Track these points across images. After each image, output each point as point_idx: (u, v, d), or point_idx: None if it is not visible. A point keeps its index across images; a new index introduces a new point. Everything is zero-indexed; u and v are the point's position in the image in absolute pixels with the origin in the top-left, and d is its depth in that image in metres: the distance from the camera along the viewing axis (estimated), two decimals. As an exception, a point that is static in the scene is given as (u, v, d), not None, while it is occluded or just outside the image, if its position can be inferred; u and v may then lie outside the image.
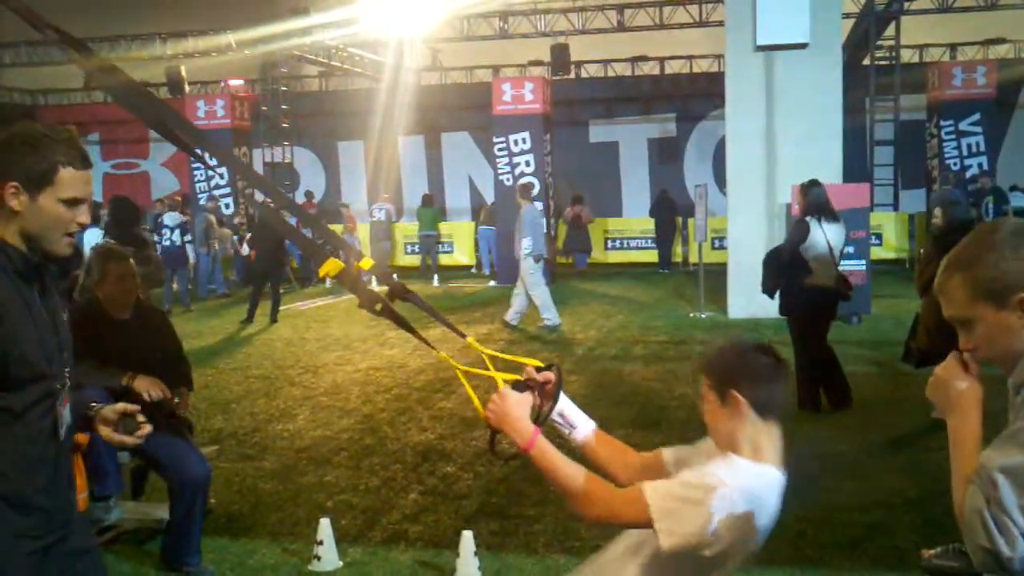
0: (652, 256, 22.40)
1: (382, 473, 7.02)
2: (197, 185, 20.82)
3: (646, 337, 12.49)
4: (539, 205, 14.30)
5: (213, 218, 18.83)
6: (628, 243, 23.27)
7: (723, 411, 2.52)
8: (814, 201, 8.81)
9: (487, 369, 2.81)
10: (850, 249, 13.09)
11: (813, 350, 8.42)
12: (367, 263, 3.01)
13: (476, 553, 5.11)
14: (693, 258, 21.92)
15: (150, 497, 6.11)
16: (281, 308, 15.49)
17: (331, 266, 2.90)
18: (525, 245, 13.25)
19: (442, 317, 3.08)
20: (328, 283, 20.04)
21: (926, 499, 6.09)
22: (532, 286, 13.15)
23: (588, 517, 2.49)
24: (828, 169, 13.53)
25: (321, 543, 5.32)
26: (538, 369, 2.77)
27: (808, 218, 8.57)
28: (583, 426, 2.82)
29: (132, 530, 5.74)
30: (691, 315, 14.21)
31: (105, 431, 2.82)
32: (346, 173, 26.58)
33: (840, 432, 7.72)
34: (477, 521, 5.84)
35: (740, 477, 2.41)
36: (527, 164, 19.08)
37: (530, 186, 15.64)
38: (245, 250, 17.45)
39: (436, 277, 20.51)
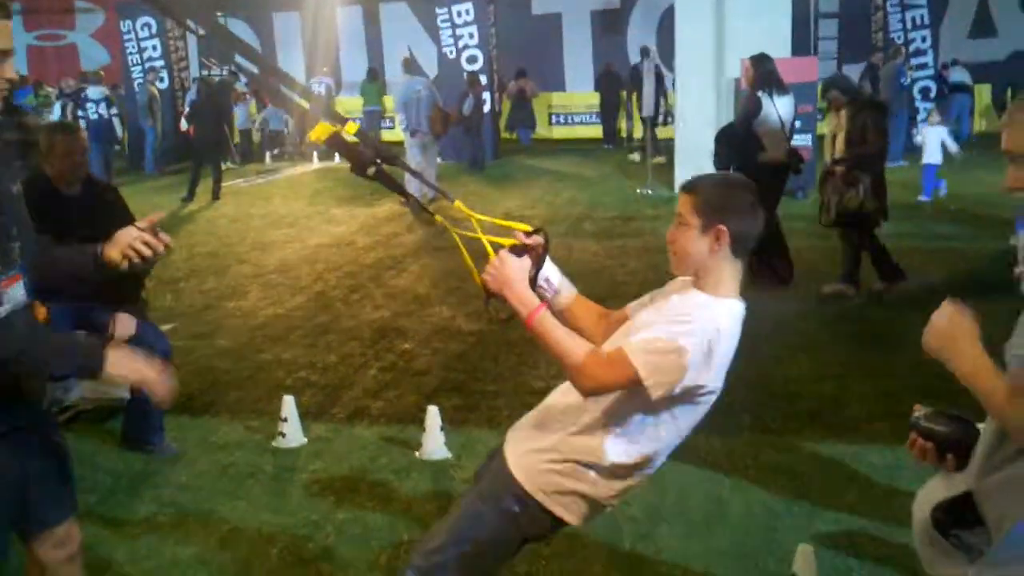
0: (596, 132, 22.24)
1: (339, 350, 7.01)
2: (129, 57, 20.06)
3: (595, 213, 12.49)
4: (419, 80, 13.92)
5: (155, 90, 18.27)
6: (572, 118, 23.06)
7: (702, 239, 2.55)
8: (764, 74, 8.75)
9: (475, 233, 2.78)
10: (798, 123, 13.14)
11: (770, 224, 8.49)
12: (352, 127, 2.93)
13: (441, 428, 5.15)
14: (637, 133, 21.88)
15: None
16: (223, 185, 15.20)
17: (321, 131, 2.82)
18: (399, 120, 13.19)
19: (431, 182, 3.03)
20: (269, 156, 19.72)
21: (877, 370, 6.25)
22: (408, 159, 12.91)
23: (583, 389, 2.50)
24: (776, 43, 13.38)
25: (285, 420, 5.32)
26: (526, 233, 2.75)
27: (760, 92, 8.52)
28: (566, 290, 2.86)
29: (91, 409, 5.68)
30: (638, 191, 14.20)
31: (120, 250, 2.62)
32: (282, 46, 25.76)
33: (790, 306, 7.84)
34: (438, 397, 5.87)
35: (705, 314, 2.49)
36: (470, 36, 18.65)
37: (408, 60, 14.81)
38: (183, 126, 16.97)
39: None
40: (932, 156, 12.85)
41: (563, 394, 2.72)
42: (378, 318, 7.83)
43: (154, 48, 19.97)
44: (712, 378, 2.52)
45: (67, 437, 3.00)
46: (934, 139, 12.89)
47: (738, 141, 8.33)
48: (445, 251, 10.24)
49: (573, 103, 23.20)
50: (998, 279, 8.42)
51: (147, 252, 2.60)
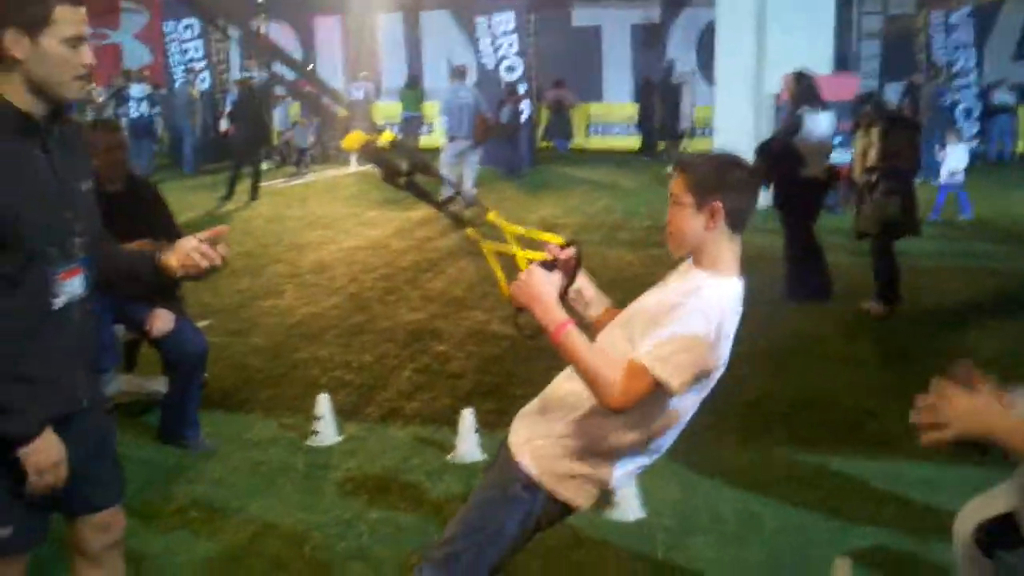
0: (634, 143, 22.20)
1: (374, 351, 7.02)
2: (171, 58, 20.27)
3: (630, 223, 12.45)
4: (465, 87, 14.37)
5: (195, 90, 18.46)
6: (610, 129, 23.04)
7: (697, 217, 2.56)
8: (805, 91, 8.73)
9: (507, 245, 2.80)
10: (838, 140, 13.06)
11: (803, 240, 8.45)
12: (388, 136, 2.95)
13: (475, 431, 5.15)
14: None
15: (142, 370, 6.08)
16: (260, 185, 15.30)
17: (354, 139, 2.84)
18: (443, 123, 13.65)
19: (465, 193, 3.03)
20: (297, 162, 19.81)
21: (911, 387, 6.17)
22: (440, 163, 13.24)
23: (611, 406, 2.48)
24: (818, 59, 13.33)
25: (320, 418, 5.34)
26: (560, 247, 2.75)
27: (800, 108, 8.50)
28: (598, 303, 2.88)
29: (128, 403, 5.72)
30: (674, 203, 14.13)
31: (179, 259, 2.63)
32: (322, 49, 25.92)
33: (826, 320, 7.78)
34: (472, 400, 5.86)
35: (710, 295, 2.51)
36: (510, 46, 18.69)
37: (459, 68, 15.26)
38: (223, 126, 17.11)
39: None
40: (949, 176, 12.78)
41: (567, 379, 2.72)
42: (413, 320, 7.85)
43: (196, 49, 20.18)
44: (720, 356, 2.55)
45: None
46: (953, 159, 12.80)
47: (778, 156, 8.28)
48: (480, 255, 10.21)
49: (611, 114, 23.17)
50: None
51: (203, 264, 2.62)
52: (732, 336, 2.58)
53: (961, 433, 2.06)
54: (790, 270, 8.30)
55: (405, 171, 2.84)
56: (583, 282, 2.83)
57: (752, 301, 2.68)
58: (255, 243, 11.32)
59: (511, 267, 2.76)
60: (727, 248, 2.59)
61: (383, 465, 5.04)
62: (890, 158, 7.74)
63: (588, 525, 4.27)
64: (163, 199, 5.33)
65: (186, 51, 20.13)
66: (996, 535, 2.04)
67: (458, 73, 14.93)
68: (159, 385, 5.43)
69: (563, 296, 2.68)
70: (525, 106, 18.51)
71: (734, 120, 13.66)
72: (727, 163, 2.64)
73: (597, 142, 22.99)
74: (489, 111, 14.93)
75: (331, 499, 4.65)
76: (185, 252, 2.62)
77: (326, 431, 5.34)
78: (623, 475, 2.72)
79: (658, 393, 2.49)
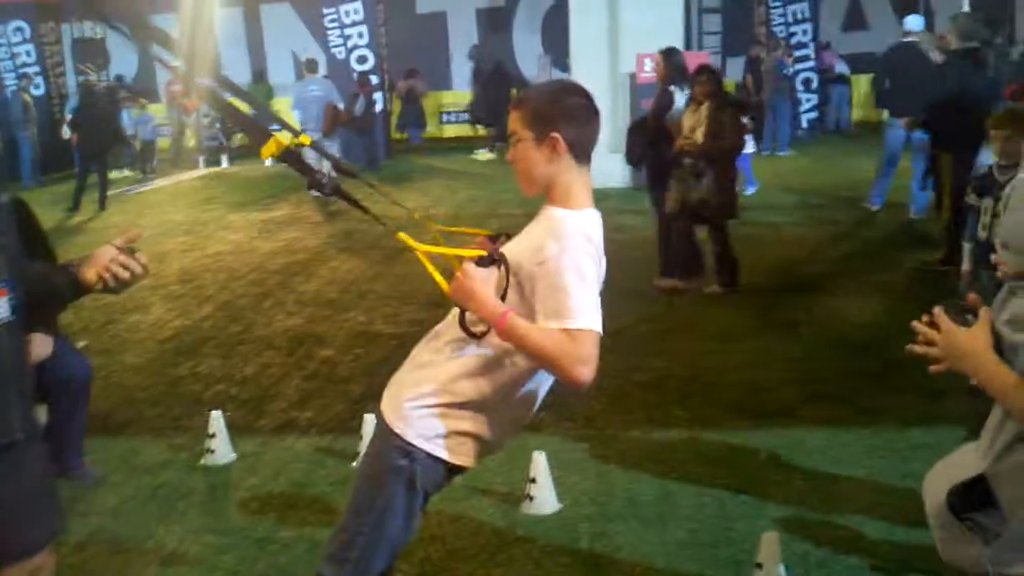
0: (487, 130, 22.21)
1: (256, 361, 6.81)
2: (2, 63, 19.18)
3: (499, 211, 12.43)
4: (315, 80, 14.94)
5: (29, 97, 17.51)
6: (463, 116, 22.99)
7: (539, 152, 2.53)
8: (675, 68, 8.84)
9: (434, 249, 2.71)
10: (692, 117, 13.33)
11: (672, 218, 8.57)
12: (306, 139, 2.84)
13: (378, 435, 5.03)
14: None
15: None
16: (111, 193, 14.67)
17: (273, 146, 2.71)
18: (295, 118, 13.90)
19: (389, 196, 2.96)
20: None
21: (795, 355, 6.37)
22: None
23: (581, 380, 2.42)
24: (669, 37, 13.56)
25: (214, 436, 5.13)
26: (490, 239, 2.69)
27: (671, 86, 8.59)
28: None
29: None
30: (537, 187, 14.20)
31: (97, 271, 2.44)
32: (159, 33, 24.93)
33: (703, 298, 7.94)
34: (366, 404, 5.71)
35: (571, 235, 2.46)
36: (360, 36, 18.36)
37: (309, 60, 15.62)
38: (66, 133, 16.29)
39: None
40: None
41: (426, 341, 2.70)
42: (292, 326, 7.64)
43: (28, 53, 19.15)
44: (600, 275, 2.58)
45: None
46: None
47: (650, 134, 8.37)
48: (351, 253, 10.10)
49: (464, 101, 23.12)
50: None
51: (125, 275, 2.44)
52: (603, 258, 2.59)
53: (950, 367, 2.10)
54: (665, 250, 8.39)
55: (328, 177, 2.74)
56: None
57: (629, 283, 2.67)
58: (112, 255, 10.83)
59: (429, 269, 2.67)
60: (576, 179, 2.55)
61: (287, 479, 4.88)
62: (715, 138, 7.81)
63: (508, 525, 4.25)
64: (33, 214, 5.00)
65: (16, 55, 19.08)
66: (968, 498, 2.09)
67: (309, 66, 15.13)
68: (39, 414, 5.11)
69: (501, 289, 2.61)
70: (378, 97, 18.27)
71: (591, 102, 13.78)
72: (562, 91, 2.60)
73: (451, 130, 22.92)
74: (340, 102, 14.93)
75: (238, 520, 4.47)
76: (103, 263, 2.44)
77: (221, 449, 5.14)
78: (500, 429, 2.68)
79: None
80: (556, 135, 2.49)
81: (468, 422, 2.62)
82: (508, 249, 2.57)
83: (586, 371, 2.41)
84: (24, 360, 2.50)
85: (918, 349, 2.19)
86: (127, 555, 4.17)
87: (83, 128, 14.67)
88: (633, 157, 8.63)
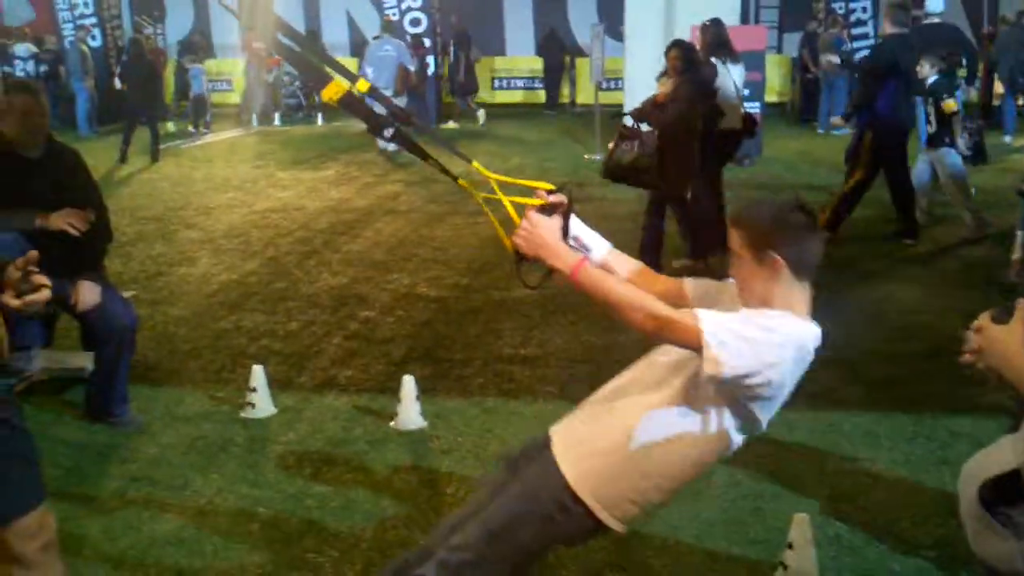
0: (539, 97, 22.14)
1: (300, 318, 6.87)
2: (60, 14, 19.37)
3: (546, 177, 12.31)
4: (389, 40, 15.25)
5: (87, 48, 17.67)
6: (515, 83, 22.91)
7: (759, 270, 2.46)
8: (716, 40, 8.77)
9: (497, 196, 2.72)
10: (747, 91, 13.19)
11: (713, 193, 8.49)
12: (364, 84, 2.83)
13: (416, 397, 5.07)
14: (580, 98, 21.79)
15: (58, 344, 5.84)
16: (161, 147, 14.81)
17: (334, 89, 2.72)
18: (368, 75, 14.11)
19: (449, 144, 2.93)
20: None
21: (846, 341, 6.30)
22: None
23: (639, 327, 2.40)
24: (726, 9, 13.41)
25: (255, 390, 5.20)
26: (548, 192, 2.68)
27: (713, 59, 8.50)
28: (598, 247, 2.78)
29: (47, 380, 5.49)
30: (586, 156, 14.17)
31: (6, 297, 2.41)
32: (215, 5, 25.09)
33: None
34: (407, 365, 5.78)
35: (791, 327, 2.40)
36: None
37: (388, 22, 16.49)
38: (118, 84, 16.48)
39: (320, 115, 19.80)
40: None
41: (629, 404, 2.59)
42: (336, 285, 7.70)
43: (85, 4, 19.33)
44: (781, 385, 2.44)
45: (25, 409, 2.85)
46: None
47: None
48: (397, 215, 10.13)
49: (516, 67, 23.03)
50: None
51: (30, 309, 2.41)
52: (798, 380, 2.48)
53: (987, 366, 2.07)
54: (695, 228, 8.28)
55: (391, 122, 2.74)
56: (579, 226, 2.73)
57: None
58: (163, 207, 10.96)
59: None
60: (796, 295, 2.48)
61: (324, 436, 4.94)
62: (662, 110, 7.67)
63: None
64: (85, 166, 5.08)
65: (75, 6, 19.26)
66: (1002, 492, 2.06)
67: (387, 27, 15.81)
68: (85, 361, 5.21)
69: (563, 241, 2.59)
70: (431, 60, 18.25)
71: (644, 72, 13.63)
72: (781, 210, 2.49)
73: (502, 96, 22.85)
74: (412, 64, 15.37)
75: (275, 473, 4.54)
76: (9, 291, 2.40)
77: (261, 403, 5.21)
78: (664, 497, 2.61)
79: (722, 432, 2.48)
80: (775, 255, 2.43)
81: (647, 492, 2.55)
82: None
83: (652, 326, 2.37)
84: None
85: (966, 348, 2.15)
86: (164, 503, 4.24)
87: (130, 82, 14.83)
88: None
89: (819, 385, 5.51)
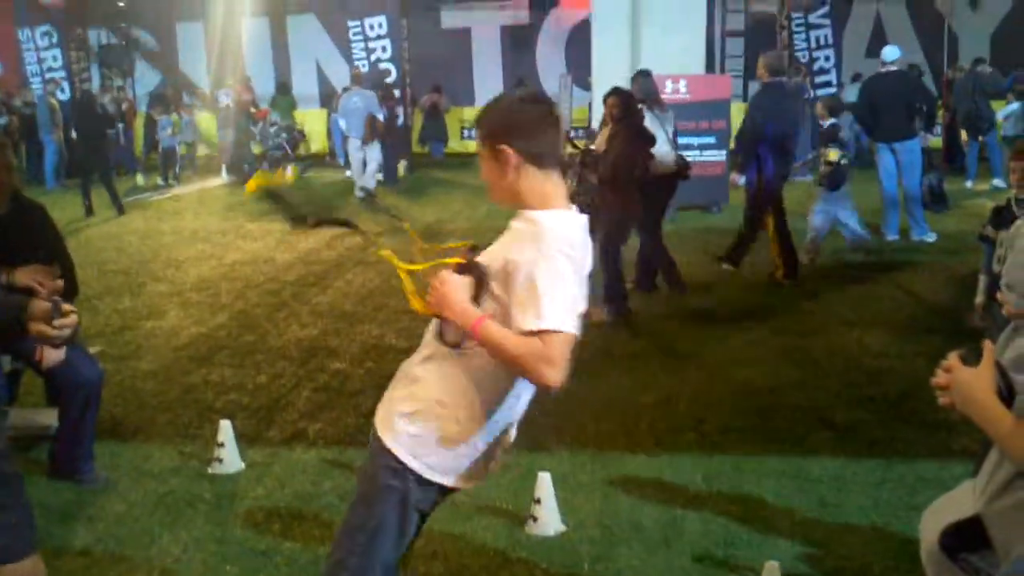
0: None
1: (269, 370, 6.83)
2: (28, 68, 19.39)
3: (515, 228, 12.46)
4: (358, 91, 16.11)
5: (55, 101, 17.65)
6: (484, 132, 23.09)
7: (498, 165, 2.56)
8: (646, 91, 9.03)
9: (414, 267, 2.75)
10: (711, 140, 13.38)
11: (655, 236, 8.63)
12: (290, 177, 2.88)
13: (386, 450, 5.04)
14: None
15: (21, 402, 5.77)
16: (129, 199, 14.78)
17: (253, 184, 2.77)
18: (342, 126, 15.80)
19: (386, 210, 3.00)
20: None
21: (806, 383, 6.35)
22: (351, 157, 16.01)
23: (551, 383, 2.44)
24: (691, 60, 13.65)
25: (222, 445, 5.15)
26: (469, 250, 2.71)
27: (641, 105, 8.69)
28: None
29: (13, 437, 5.40)
30: (555, 205, 14.22)
31: (37, 327, 2.52)
32: (186, 57, 25.19)
33: (727, 323, 7.94)
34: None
35: (545, 237, 2.46)
36: (383, 50, 18.49)
37: (358, 74, 17.29)
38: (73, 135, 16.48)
39: (290, 168, 19.80)
40: None
41: (417, 355, 2.73)
42: (306, 336, 7.67)
43: (54, 58, 19.36)
44: (582, 283, 2.55)
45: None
46: None
47: None
48: (367, 266, 10.12)
49: (485, 117, 23.22)
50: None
51: (61, 336, 2.55)
52: (585, 261, 2.59)
53: (955, 403, 2.10)
54: (638, 264, 8.83)
55: (309, 218, 2.81)
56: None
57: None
58: (131, 260, 10.92)
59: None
60: (543, 184, 2.57)
61: (293, 490, 4.89)
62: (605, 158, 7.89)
63: (511, 545, 4.24)
64: (52, 222, 5.05)
65: (43, 60, 19.28)
66: (962, 539, 2.08)
67: (355, 79, 16.77)
68: (49, 418, 5.16)
69: (477, 298, 2.60)
70: (400, 111, 18.37)
71: (611, 122, 13.79)
72: (513, 104, 2.66)
73: (473, 145, 22.92)
74: (380, 114, 15.99)
75: (243, 530, 4.48)
76: (39, 322, 2.52)
77: (229, 458, 5.16)
78: (486, 446, 2.68)
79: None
80: (507, 148, 2.52)
81: (456, 440, 2.62)
82: (489, 252, 2.60)
83: (553, 373, 2.41)
84: None
85: (938, 382, 2.17)
86: (130, 562, 4.18)
87: (79, 135, 14.84)
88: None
89: (788, 430, 5.56)
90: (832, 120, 9.89)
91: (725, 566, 4.04)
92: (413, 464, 2.61)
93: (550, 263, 2.42)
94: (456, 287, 2.54)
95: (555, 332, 2.40)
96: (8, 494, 2.65)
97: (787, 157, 9.31)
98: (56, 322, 2.52)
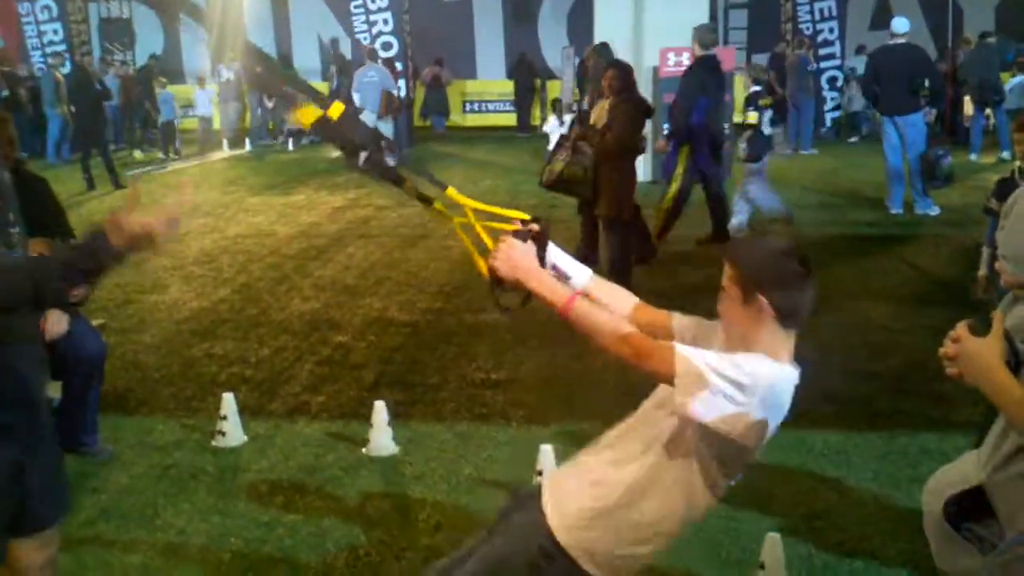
0: (510, 120, 22.21)
1: (272, 344, 6.84)
2: (28, 41, 19.31)
3: (518, 201, 12.42)
4: (373, 67, 16.08)
5: (60, 75, 17.57)
6: (486, 106, 22.99)
7: (744, 311, 2.39)
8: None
9: (468, 224, 2.71)
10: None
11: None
12: (338, 108, 2.79)
13: (388, 423, 5.05)
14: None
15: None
16: (131, 173, 14.75)
17: (307, 114, 2.70)
18: (356, 100, 15.47)
19: (423, 170, 2.88)
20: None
21: (818, 359, 6.33)
22: None
23: (621, 356, 2.34)
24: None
25: (225, 418, 5.16)
26: (523, 222, 2.63)
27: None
28: (579, 275, 2.72)
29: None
30: (557, 179, 14.18)
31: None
32: (186, 30, 25.05)
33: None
34: (379, 391, 5.77)
35: (768, 374, 2.30)
36: (384, 23, 18.40)
37: (371, 50, 16.98)
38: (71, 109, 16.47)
39: (291, 141, 19.79)
40: None
41: (616, 463, 2.52)
42: (308, 310, 7.67)
43: (55, 32, 19.28)
44: (758, 439, 2.36)
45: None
46: None
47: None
48: (368, 239, 10.11)
49: (488, 90, 23.13)
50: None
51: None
52: (775, 430, 2.37)
53: (963, 374, 2.08)
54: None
55: (365, 147, 2.71)
56: (558, 254, 2.68)
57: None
58: (132, 234, 10.88)
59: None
60: (779, 343, 2.40)
61: (296, 463, 4.91)
62: (603, 134, 7.87)
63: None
64: (53, 194, 5.04)
65: (44, 33, 19.20)
66: (966, 508, 2.08)
67: (370, 54, 16.56)
68: (53, 391, 5.13)
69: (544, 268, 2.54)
70: (402, 84, 18.30)
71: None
72: (776, 254, 2.43)
73: (474, 119, 22.93)
74: (395, 89, 16.18)
75: (246, 502, 4.50)
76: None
77: (232, 431, 5.17)
78: (651, 551, 2.54)
79: (706, 483, 2.42)
80: (763, 299, 2.35)
81: (633, 550, 2.50)
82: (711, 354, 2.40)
83: (623, 349, 2.31)
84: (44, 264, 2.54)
85: (946, 352, 2.15)
86: (134, 533, 4.21)
87: (77, 110, 14.81)
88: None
89: (792, 404, 5.55)
90: (755, 87, 9.94)
91: (728, 538, 4.05)
92: (577, 556, 2.46)
93: (742, 380, 2.26)
94: (527, 252, 2.45)
95: (670, 359, 2.28)
96: (60, 456, 2.72)
97: (718, 130, 9.68)
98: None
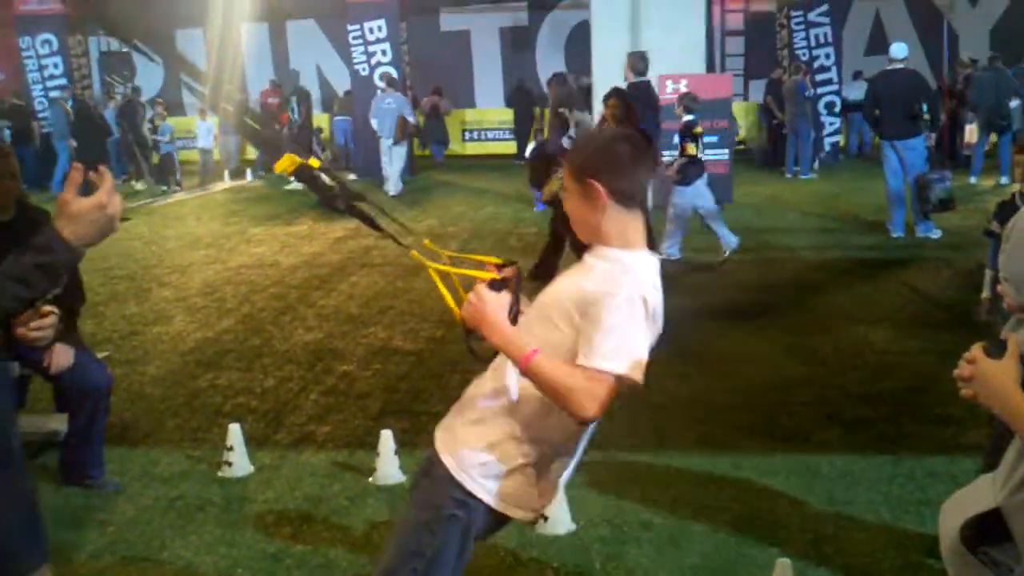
0: (509, 148, 22.29)
1: (276, 374, 6.84)
2: (29, 75, 19.41)
3: (518, 230, 12.48)
4: (390, 94, 16.78)
5: (68, 108, 17.64)
6: (485, 134, 23.08)
7: (584, 201, 2.53)
8: (566, 94, 9.24)
9: (446, 268, 2.74)
10: (714, 139, 13.39)
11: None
12: (315, 162, 2.88)
13: (395, 452, 5.05)
14: (550, 149, 21.95)
15: (32, 408, 5.78)
16: (133, 205, 14.80)
17: (287, 162, 2.76)
18: (374, 125, 16.50)
19: (393, 218, 2.96)
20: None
21: (823, 383, 6.35)
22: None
23: (586, 418, 2.42)
24: (691, 59, 13.63)
25: (231, 449, 5.16)
26: (498, 266, 2.69)
27: (561, 109, 8.83)
28: None
29: (21, 444, 5.42)
30: (558, 206, 14.24)
31: (17, 330, 2.54)
32: (187, 63, 25.20)
33: (734, 322, 7.94)
34: (384, 420, 5.76)
35: (625, 277, 2.46)
36: (383, 53, 18.51)
37: (388, 76, 17.75)
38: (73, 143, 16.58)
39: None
40: None
41: (487, 381, 2.65)
42: (312, 340, 7.68)
43: (55, 65, 19.39)
44: (655, 330, 2.55)
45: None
46: None
47: (550, 158, 8.58)
48: (371, 268, 10.14)
49: (486, 119, 23.23)
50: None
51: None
52: (661, 310, 2.55)
53: (978, 395, 2.08)
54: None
55: (343, 195, 2.77)
56: (525, 303, 2.72)
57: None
58: (137, 266, 10.92)
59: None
60: (627, 224, 2.54)
61: (302, 493, 4.90)
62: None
63: (522, 544, 4.23)
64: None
65: (44, 67, 19.31)
66: (982, 531, 2.07)
67: (389, 81, 17.46)
68: (59, 423, 5.16)
69: (511, 318, 2.61)
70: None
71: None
72: (605, 141, 2.64)
73: (473, 147, 23.02)
74: (411, 116, 16.94)
75: (253, 533, 4.49)
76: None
77: (238, 461, 5.17)
78: (554, 477, 2.65)
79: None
80: (596, 184, 2.49)
81: (528, 474, 2.58)
82: (561, 282, 2.58)
83: (594, 409, 2.39)
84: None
85: (960, 373, 2.15)
86: (141, 566, 4.19)
87: (79, 143, 14.92)
88: (536, 182, 9.05)
89: (795, 427, 5.56)
90: (688, 117, 9.87)
91: (737, 565, 4.04)
92: (485, 497, 2.57)
93: (626, 305, 2.41)
94: (495, 305, 2.50)
95: (606, 372, 2.38)
96: (35, 499, 2.64)
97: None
98: (33, 324, 2.53)
